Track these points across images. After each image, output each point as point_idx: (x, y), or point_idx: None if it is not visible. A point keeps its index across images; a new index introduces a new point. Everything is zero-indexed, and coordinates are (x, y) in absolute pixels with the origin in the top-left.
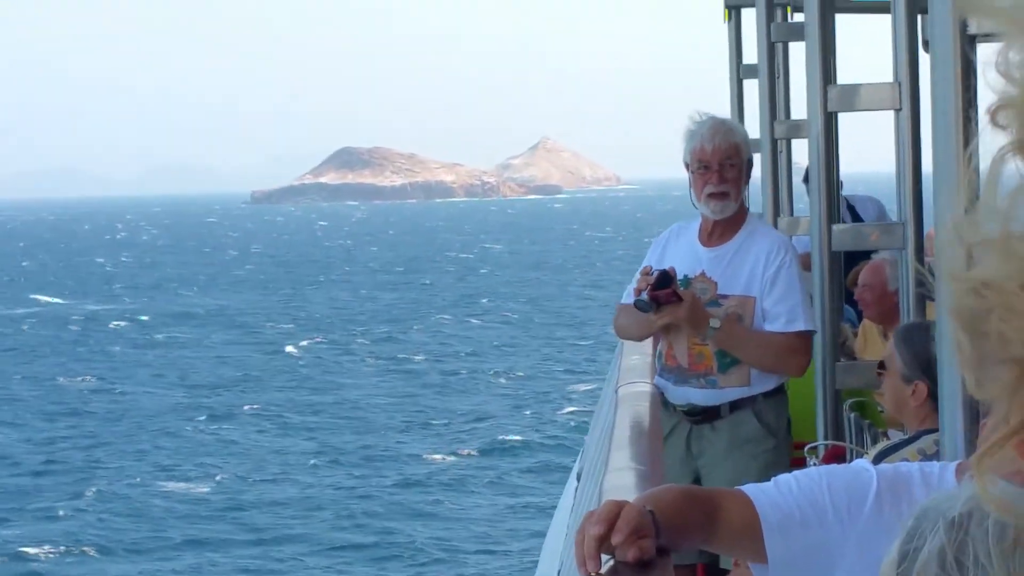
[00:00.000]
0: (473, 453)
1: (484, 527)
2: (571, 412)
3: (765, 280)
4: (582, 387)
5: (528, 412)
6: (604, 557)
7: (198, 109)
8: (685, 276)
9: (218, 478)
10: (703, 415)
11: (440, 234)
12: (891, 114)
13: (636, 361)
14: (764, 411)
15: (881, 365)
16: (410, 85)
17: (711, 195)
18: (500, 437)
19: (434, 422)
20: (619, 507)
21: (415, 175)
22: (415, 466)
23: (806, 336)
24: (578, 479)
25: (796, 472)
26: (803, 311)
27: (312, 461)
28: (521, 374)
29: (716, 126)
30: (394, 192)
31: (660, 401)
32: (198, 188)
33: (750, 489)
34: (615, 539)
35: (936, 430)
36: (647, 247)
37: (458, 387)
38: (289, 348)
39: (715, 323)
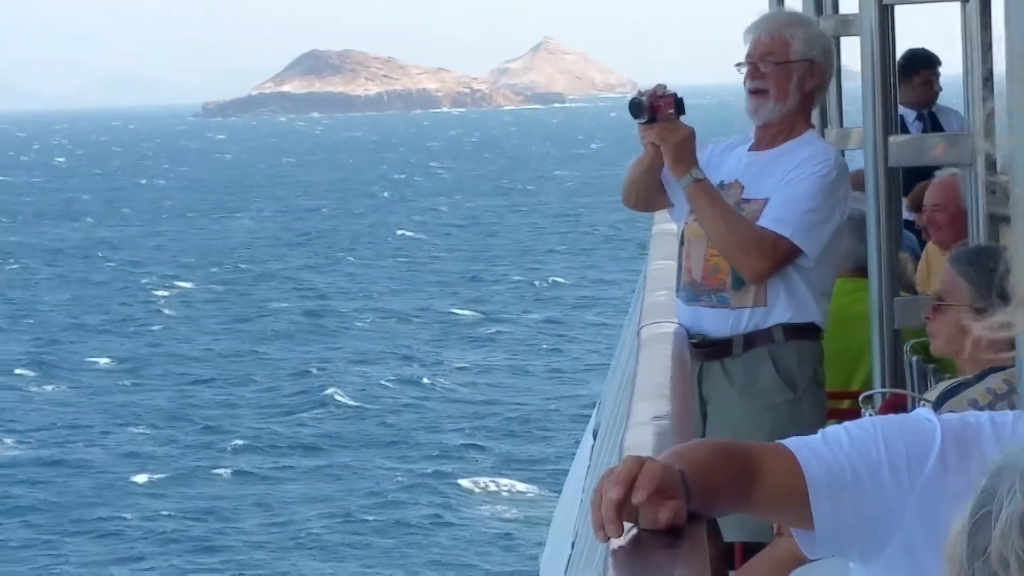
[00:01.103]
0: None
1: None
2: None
3: (785, 181)
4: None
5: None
6: (627, 525)
7: (146, 15)
8: (721, 182)
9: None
10: (713, 349)
11: (389, 152)
12: (957, 6)
13: (661, 298)
14: (783, 355)
15: (938, 298)
16: None
17: (748, 92)
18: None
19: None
20: (641, 463)
21: (393, 82)
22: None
23: (783, 244)
24: (594, 436)
25: (847, 424)
26: (800, 221)
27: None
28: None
29: (765, 17)
30: (368, 102)
31: (689, 343)
32: (147, 100)
33: (793, 443)
34: (636, 498)
35: (1004, 367)
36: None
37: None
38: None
39: (697, 173)
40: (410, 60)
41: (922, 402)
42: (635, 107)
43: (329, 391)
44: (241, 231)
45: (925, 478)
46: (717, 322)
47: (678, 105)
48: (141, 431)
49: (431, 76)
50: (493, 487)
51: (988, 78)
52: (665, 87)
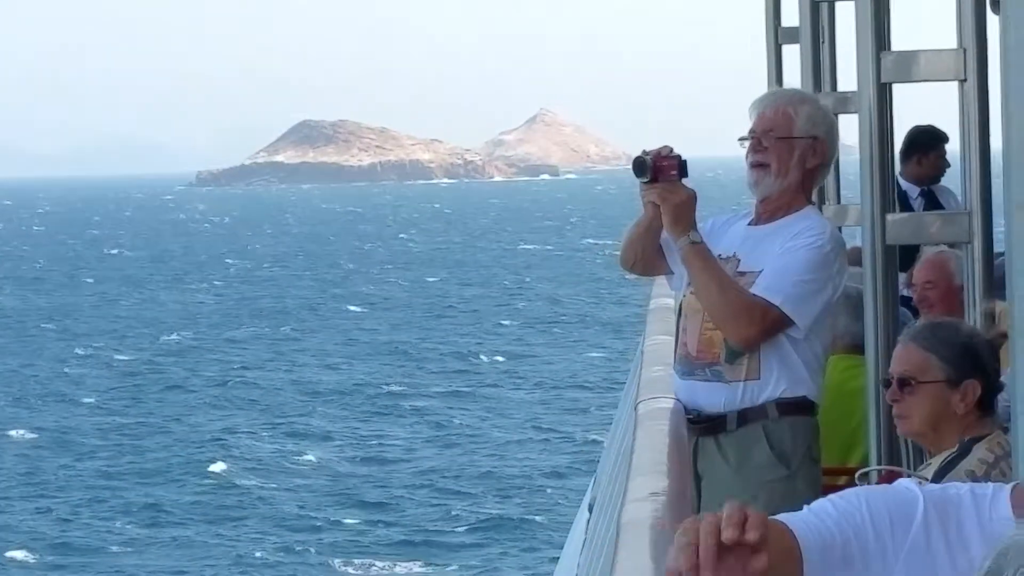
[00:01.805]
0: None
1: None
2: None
3: (780, 252)
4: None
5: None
6: None
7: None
8: (719, 255)
9: None
10: (708, 424)
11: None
12: (955, 85)
13: (658, 373)
14: (777, 431)
15: (903, 382)
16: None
17: (750, 166)
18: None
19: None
20: (744, 507)
21: (386, 153)
22: None
23: (773, 312)
24: (590, 510)
25: (832, 495)
26: (791, 290)
27: None
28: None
29: (770, 93)
30: (362, 173)
31: (687, 419)
32: (142, 167)
33: (783, 517)
34: (751, 536)
35: (982, 436)
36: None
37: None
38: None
39: (695, 236)
40: (404, 130)
41: (918, 480)
42: (639, 166)
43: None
44: (191, 302)
45: (909, 544)
46: (711, 397)
47: (681, 167)
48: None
49: (424, 147)
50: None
51: (985, 155)
52: (671, 149)
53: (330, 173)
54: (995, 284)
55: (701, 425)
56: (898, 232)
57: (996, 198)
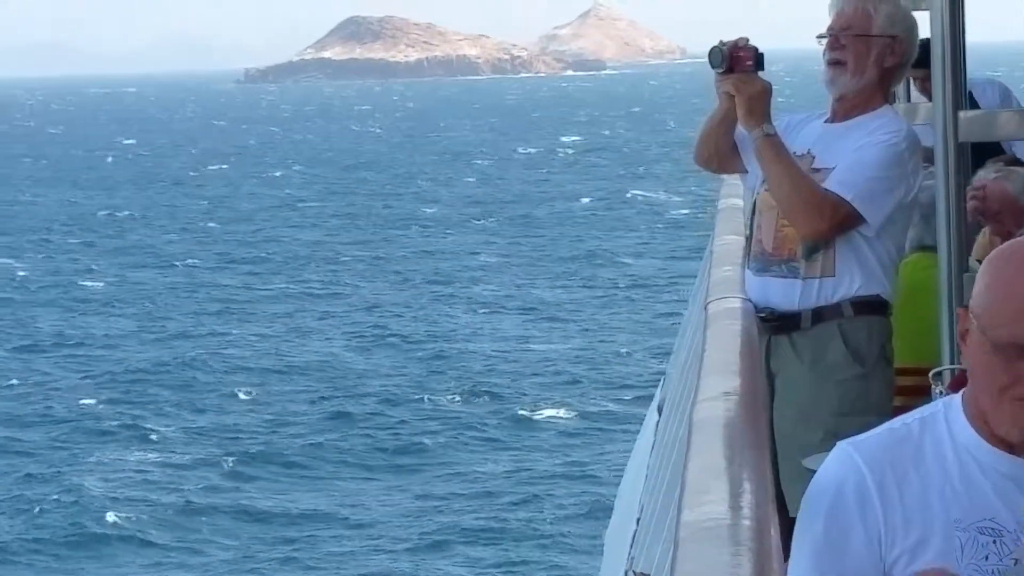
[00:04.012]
0: None
1: None
2: None
3: (854, 149)
4: None
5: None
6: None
7: None
8: (794, 152)
9: None
10: (781, 322)
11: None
12: None
13: (728, 273)
14: (852, 330)
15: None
16: None
17: (826, 63)
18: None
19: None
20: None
21: (433, 49)
22: None
23: (843, 207)
24: (659, 412)
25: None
26: (863, 186)
27: None
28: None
29: None
30: (408, 69)
31: (757, 316)
32: (199, 65)
33: None
34: None
35: None
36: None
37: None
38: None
39: (769, 128)
40: (452, 26)
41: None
42: (715, 55)
43: None
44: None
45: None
46: (786, 294)
47: (758, 59)
48: None
49: (471, 42)
50: None
51: None
52: (747, 40)
53: (377, 69)
54: None
55: (774, 323)
56: (970, 129)
57: None
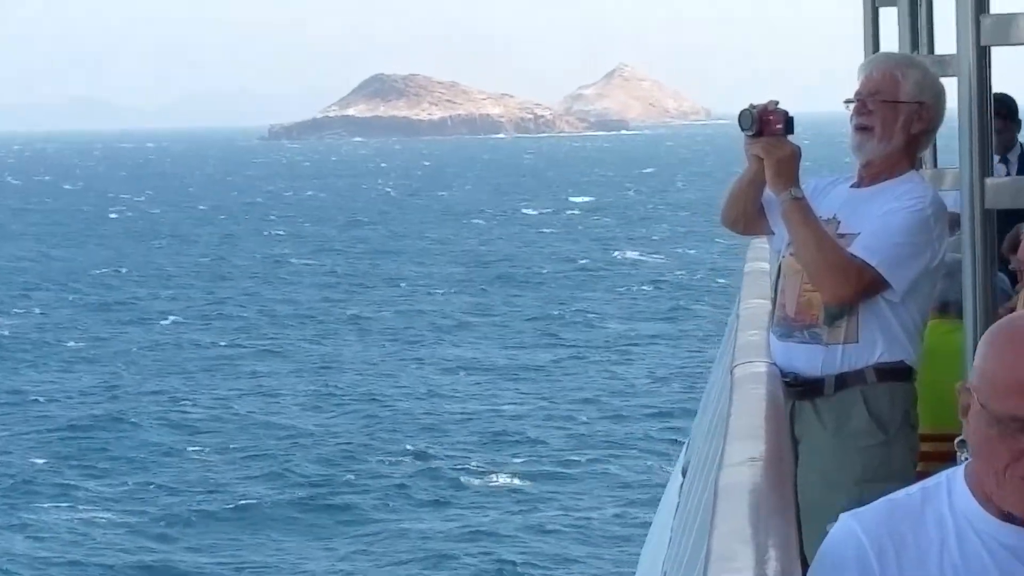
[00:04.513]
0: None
1: None
2: None
3: (880, 215)
4: None
5: None
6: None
7: (217, 33)
8: (820, 217)
9: None
10: (805, 388)
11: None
12: None
13: (754, 337)
14: (874, 396)
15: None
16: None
17: (854, 129)
18: None
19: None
20: None
21: (456, 107)
22: None
23: (869, 272)
24: (683, 474)
25: None
26: (888, 252)
27: None
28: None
29: (878, 56)
30: (432, 127)
31: (783, 383)
32: (227, 121)
33: None
34: None
35: None
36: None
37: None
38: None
39: (797, 192)
40: (476, 85)
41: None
42: (745, 118)
43: None
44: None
45: None
46: (809, 359)
47: (787, 123)
48: None
49: (494, 101)
50: None
51: None
52: (777, 103)
53: (401, 127)
54: None
55: (798, 388)
56: (997, 197)
57: None
